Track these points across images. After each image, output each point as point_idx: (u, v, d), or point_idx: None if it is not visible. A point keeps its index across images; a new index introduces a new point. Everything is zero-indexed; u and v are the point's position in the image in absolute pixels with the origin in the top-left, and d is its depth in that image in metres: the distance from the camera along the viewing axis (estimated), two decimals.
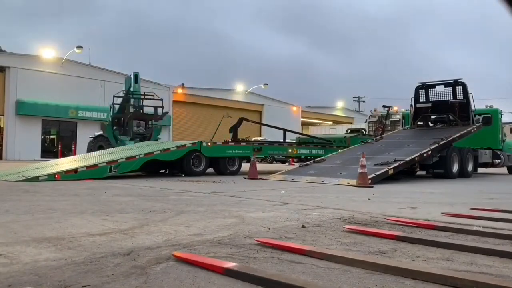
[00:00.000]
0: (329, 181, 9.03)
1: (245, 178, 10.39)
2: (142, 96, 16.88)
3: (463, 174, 12.20)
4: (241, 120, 13.73)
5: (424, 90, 14.45)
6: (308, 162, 11.69)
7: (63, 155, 22.62)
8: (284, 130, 14.54)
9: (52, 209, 4.60)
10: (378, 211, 4.69)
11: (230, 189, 7.60)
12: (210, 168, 12.04)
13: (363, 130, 20.42)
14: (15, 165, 13.53)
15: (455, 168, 11.92)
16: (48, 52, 27.35)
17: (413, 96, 14.57)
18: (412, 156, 10.30)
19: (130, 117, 16.32)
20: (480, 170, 14.78)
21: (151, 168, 11.15)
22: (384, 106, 18.51)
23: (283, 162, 22.96)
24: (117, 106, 17.03)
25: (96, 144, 16.57)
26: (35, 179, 8.59)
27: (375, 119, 19.97)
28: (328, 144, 15.27)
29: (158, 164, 11.12)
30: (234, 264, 2.33)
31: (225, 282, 2.09)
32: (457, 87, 13.76)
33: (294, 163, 18.68)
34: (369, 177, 8.54)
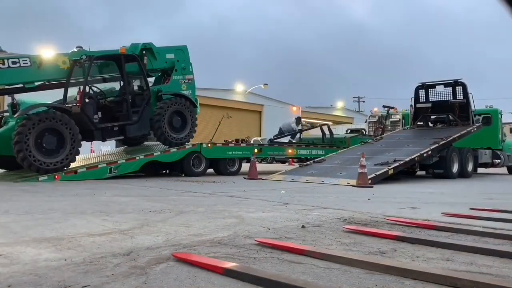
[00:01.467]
0: (329, 181, 9.03)
1: (245, 178, 10.39)
2: None
3: (463, 174, 12.20)
4: None
5: (424, 90, 14.45)
6: (308, 162, 11.68)
7: None
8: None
9: (52, 210, 4.59)
10: (378, 211, 4.69)
11: (230, 189, 7.60)
12: (210, 169, 12.05)
13: (363, 130, 20.39)
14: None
15: (455, 168, 11.92)
16: (47, 52, 27.30)
17: (413, 96, 14.57)
18: (412, 156, 10.30)
19: None
20: (480, 170, 14.78)
21: (151, 169, 11.14)
22: (384, 106, 18.49)
23: (283, 162, 22.94)
24: None
25: None
26: (35, 179, 8.58)
27: (375, 119, 19.95)
28: (328, 145, 15.27)
29: (158, 165, 11.11)
30: (234, 264, 2.33)
31: (225, 282, 2.09)
32: (457, 87, 13.76)
33: (294, 163, 18.66)
34: (369, 177, 8.54)
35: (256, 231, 3.44)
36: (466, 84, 13.55)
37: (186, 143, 11.24)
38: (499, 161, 14.51)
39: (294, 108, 41.87)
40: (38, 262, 2.40)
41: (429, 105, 14.34)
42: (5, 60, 9.04)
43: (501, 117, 14.93)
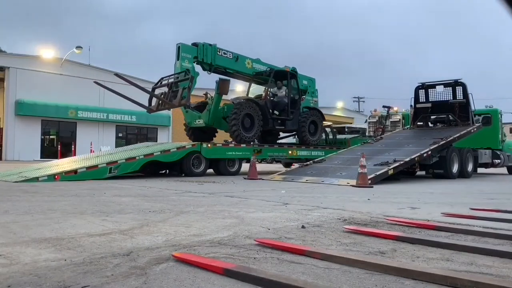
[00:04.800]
0: (329, 182, 9.03)
1: (244, 179, 10.39)
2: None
3: (463, 174, 12.20)
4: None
5: (424, 90, 14.47)
6: (308, 163, 11.68)
7: (63, 156, 22.61)
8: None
9: (51, 210, 4.59)
10: (378, 211, 4.69)
11: (229, 189, 7.60)
12: (210, 169, 12.04)
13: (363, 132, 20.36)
14: (15, 166, 13.53)
15: (455, 168, 11.93)
16: (47, 53, 27.38)
17: (413, 96, 14.58)
18: (412, 156, 10.30)
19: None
20: (480, 170, 14.79)
21: (151, 169, 11.15)
22: (384, 107, 18.52)
23: None
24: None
25: None
26: (35, 179, 8.59)
27: (375, 120, 19.96)
28: (328, 146, 15.31)
29: (158, 165, 11.12)
30: (234, 264, 2.33)
31: (224, 283, 2.09)
32: (457, 87, 13.78)
33: (294, 164, 18.66)
34: (369, 177, 8.54)
35: (256, 231, 3.44)
36: (466, 84, 13.57)
37: (186, 143, 11.37)
38: (499, 161, 14.52)
39: None
40: (38, 262, 2.40)
41: (429, 105, 14.36)
42: (220, 50, 12.69)
43: (501, 117, 14.95)
